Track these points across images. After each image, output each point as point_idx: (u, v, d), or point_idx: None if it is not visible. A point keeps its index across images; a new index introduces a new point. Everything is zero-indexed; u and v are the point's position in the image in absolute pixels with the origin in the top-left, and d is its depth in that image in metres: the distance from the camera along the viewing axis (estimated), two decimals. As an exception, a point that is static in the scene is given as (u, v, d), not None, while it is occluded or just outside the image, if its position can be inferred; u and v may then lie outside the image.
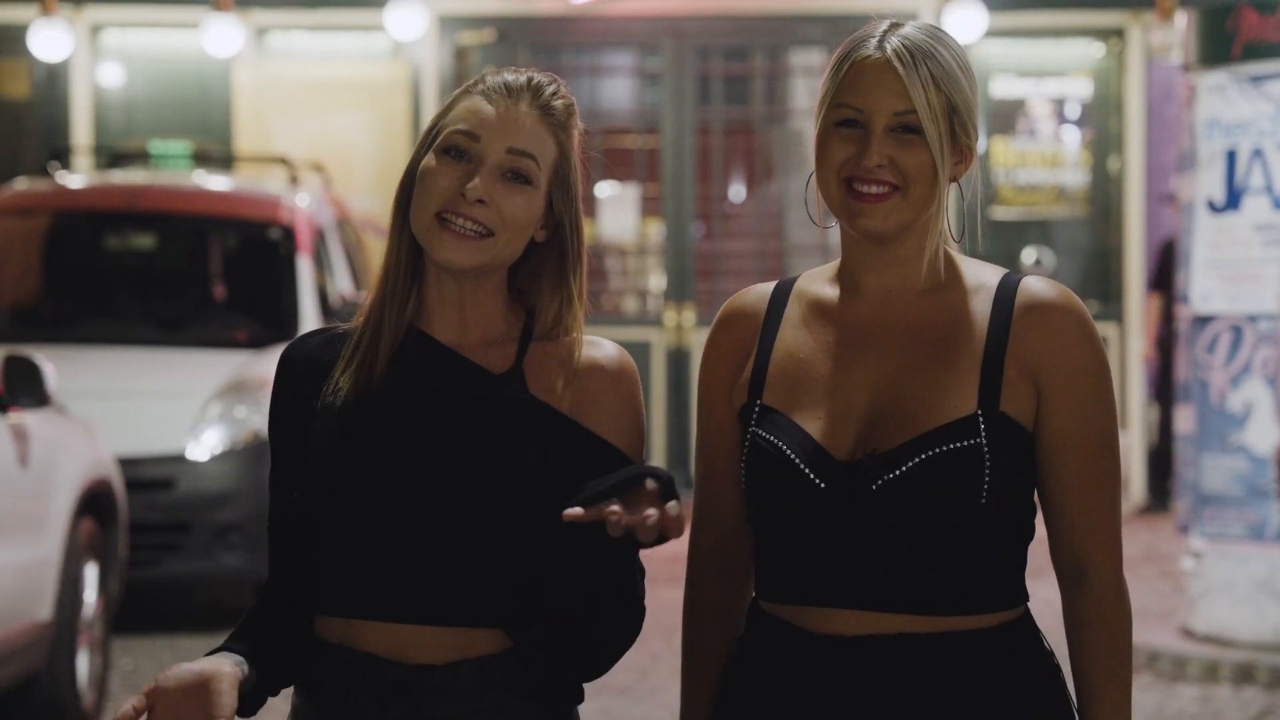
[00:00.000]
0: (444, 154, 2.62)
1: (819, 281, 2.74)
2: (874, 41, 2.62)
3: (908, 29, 2.63)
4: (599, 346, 2.68)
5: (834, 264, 2.75)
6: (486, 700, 2.59)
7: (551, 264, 2.68)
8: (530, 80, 2.65)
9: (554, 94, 2.65)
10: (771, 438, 2.63)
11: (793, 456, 2.61)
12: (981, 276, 2.69)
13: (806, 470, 2.60)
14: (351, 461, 2.60)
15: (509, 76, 2.65)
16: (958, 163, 2.65)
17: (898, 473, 2.57)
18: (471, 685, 2.59)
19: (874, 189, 2.60)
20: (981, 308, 2.65)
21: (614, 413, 2.65)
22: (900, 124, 2.60)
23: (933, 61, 2.61)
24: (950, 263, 2.70)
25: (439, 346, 2.65)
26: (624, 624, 2.61)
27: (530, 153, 2.61)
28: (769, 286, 2.76)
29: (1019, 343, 2.62)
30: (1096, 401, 2.64)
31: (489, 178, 2.59)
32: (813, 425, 2.62)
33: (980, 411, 2.59)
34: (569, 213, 2.67)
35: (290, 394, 2.68)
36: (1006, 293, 2.65)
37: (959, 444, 2.57)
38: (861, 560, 2.59)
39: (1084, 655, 2.67)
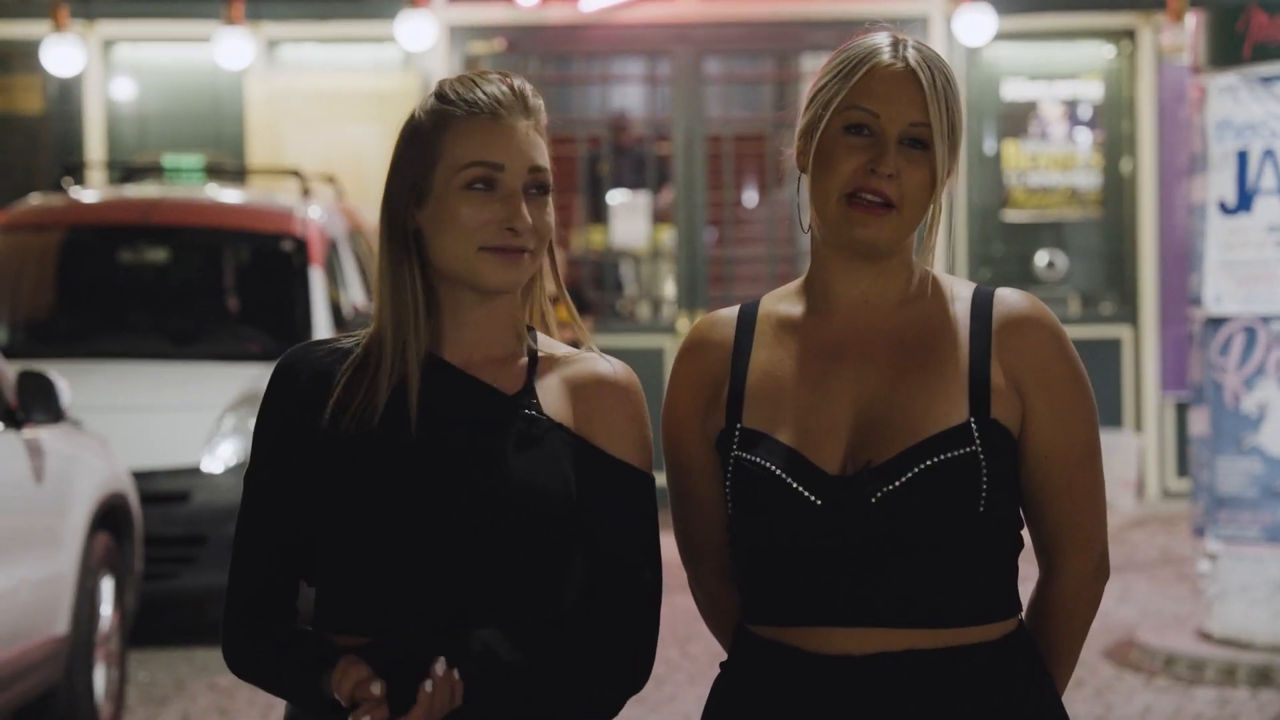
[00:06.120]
0: (468, 189, 2.61)
1: (785, 300, 2.73)
2: (888, 51, 2.62)
3: (915, 43, 2.65)
4: (603, 362, 2.69)
5: (796, 282, 2.74)
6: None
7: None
8: (513, 88, 2.65)
9: (532, 93, 2.66)
10: (757, 459, 2.60)
11: (782, 475, 2.59)
12: (955, 288, 2.70)
13: (799, 487, 2.58)
14: (382, 488, 2.60)
15: (493, 90, 2.64)
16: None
17: (897, 484, 2.56)
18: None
19: (877, 199, 2.58)
20: (960, 317, 2.66)
21: (622, 428, 2.65)
22: (910, 136, 2.60)
23: (943, 78, 2.63)
24: (925, 276, 2.70)
25: (452, 369, 2.65)
26: (634, 653, 2.63)
27: (546, 165, 2.65)
28: (734, 310, 2.75)
29: (1001, 353, 2.63)
30: (1077, 411, 2.65)
31: (523, 201, 2.61)
32: (798, 442, 2.60)
33: (973, 419, 2.59)
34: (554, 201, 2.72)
35: (294, 403, 2.66)
36: (982, 304, 2.66)
37: (955, 452, 2.57)
38: (861, 575, 2.57)
39: (1041, 634, 2.71)
